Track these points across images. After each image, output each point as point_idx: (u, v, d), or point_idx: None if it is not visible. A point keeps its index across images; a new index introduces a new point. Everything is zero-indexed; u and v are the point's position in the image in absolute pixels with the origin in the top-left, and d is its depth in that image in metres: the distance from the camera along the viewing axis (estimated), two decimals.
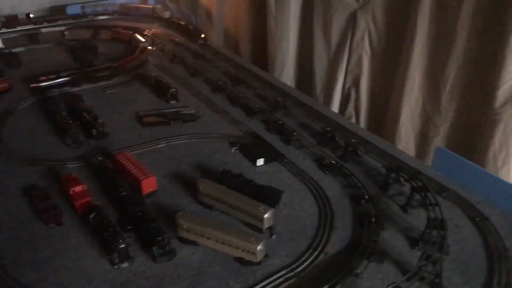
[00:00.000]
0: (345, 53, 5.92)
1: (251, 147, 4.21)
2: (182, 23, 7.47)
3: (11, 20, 7.32)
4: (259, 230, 3.19)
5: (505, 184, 3.65)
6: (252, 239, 2.89)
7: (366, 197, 3.56)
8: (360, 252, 3.00)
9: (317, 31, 6.22)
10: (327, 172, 3.90)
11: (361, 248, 3.03)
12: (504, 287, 2.81)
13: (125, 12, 8.21)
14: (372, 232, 3.18)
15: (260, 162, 4.00)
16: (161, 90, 5.15)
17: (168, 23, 7.68)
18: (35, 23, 7.50)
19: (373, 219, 3.29)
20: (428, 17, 4.82)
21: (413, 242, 3.12)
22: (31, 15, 7.56)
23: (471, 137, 4.78)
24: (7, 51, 6.34)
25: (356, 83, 6.02)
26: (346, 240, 3.17)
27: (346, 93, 6.21)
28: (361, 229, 3.24)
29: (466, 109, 4.79)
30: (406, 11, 5.06)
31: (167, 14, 7.90)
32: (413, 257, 2.99)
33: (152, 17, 8.06)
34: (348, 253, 3.04)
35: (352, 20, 5.73)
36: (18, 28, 7.30)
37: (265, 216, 3.13)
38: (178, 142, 4.30)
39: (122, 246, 2.92)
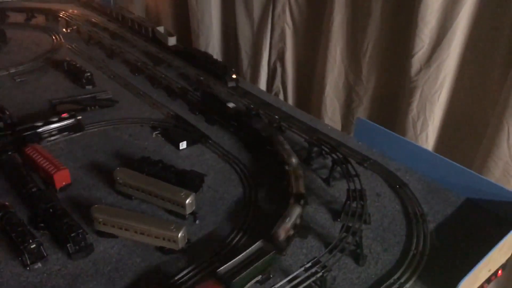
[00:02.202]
0: (268, 27, 5.84)
1: (174, 130, 4.07)
2: (204, 56, 5.21)
3: None
4: (182, 216, 3.10)
5: (421, 149, 3.79)
6: (172, 227, 2.80)
7: None
8: None
9: (238, 4, 6.08)
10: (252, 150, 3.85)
11: None
12: (421, 250, 2.91)
13: None
14: None
15: (183, 145, 3.88)
16: (75, 75, 4.84)
17: (181, 55, 5.42)
18: None
19: None
20: None
21: (336, 215, 3.16)
22: None
23: (392, 105, 4.90)
24: None
25: (281, 57, 5.98)
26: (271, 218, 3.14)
27: (272, 68, 6.16)
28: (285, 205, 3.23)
29: (386, 78, 4.89)
30: None
31: (172, 41, 5.55)
32: (336, 229, 3.02)
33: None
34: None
35: None
36: None
37: (187, 201, 3.03)
38: (94, 129, 4.06)
39: (33, 246, 2.74)
